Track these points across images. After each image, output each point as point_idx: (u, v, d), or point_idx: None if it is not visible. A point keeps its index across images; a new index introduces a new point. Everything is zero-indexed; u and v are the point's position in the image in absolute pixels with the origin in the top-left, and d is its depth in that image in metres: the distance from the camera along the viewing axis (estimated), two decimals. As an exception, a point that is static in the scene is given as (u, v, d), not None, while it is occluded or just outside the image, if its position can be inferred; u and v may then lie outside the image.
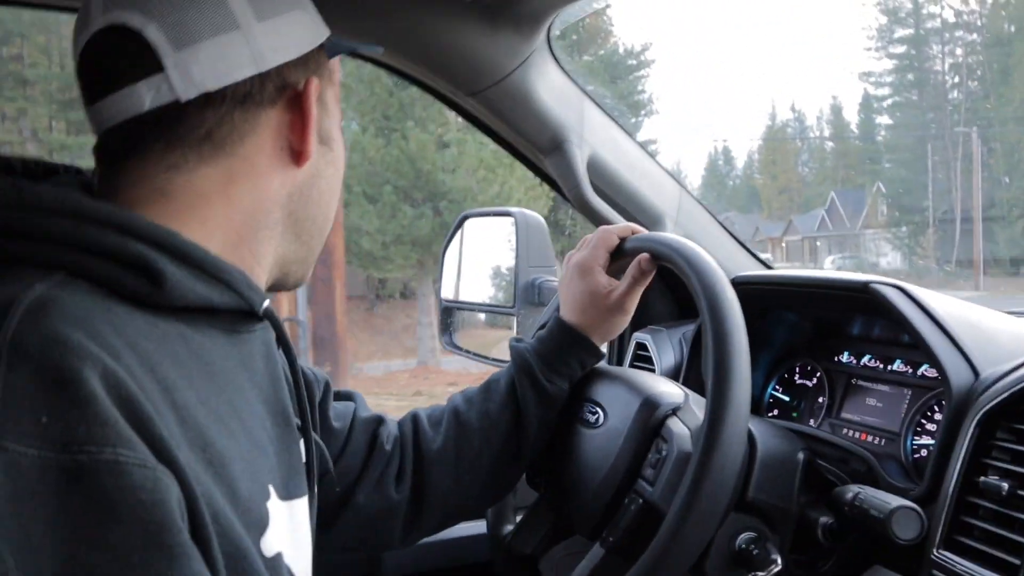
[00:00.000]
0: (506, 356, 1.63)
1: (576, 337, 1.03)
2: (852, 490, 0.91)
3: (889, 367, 1.19)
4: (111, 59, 0.65)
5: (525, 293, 1.57)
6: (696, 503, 0.79)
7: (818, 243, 37.10)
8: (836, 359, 1.28)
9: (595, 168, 1.30)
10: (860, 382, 1.23)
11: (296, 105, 0.71)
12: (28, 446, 0.48)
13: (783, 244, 41.91)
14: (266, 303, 0.71)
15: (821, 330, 1.33)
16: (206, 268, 0.64)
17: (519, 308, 1.56)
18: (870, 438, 1.16)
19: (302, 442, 0.78)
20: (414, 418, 1.05)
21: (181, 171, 0.67)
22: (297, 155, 0.72)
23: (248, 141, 0.69)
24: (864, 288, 1.07)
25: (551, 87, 1.25)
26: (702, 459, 0.80)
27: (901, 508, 0.84)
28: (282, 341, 0.78)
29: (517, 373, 1.02)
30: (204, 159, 0.67)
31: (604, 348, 1.11)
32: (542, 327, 1.07)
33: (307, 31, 0.73)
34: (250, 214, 0.70)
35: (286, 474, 0.72)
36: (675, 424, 0.93)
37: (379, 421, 1.03)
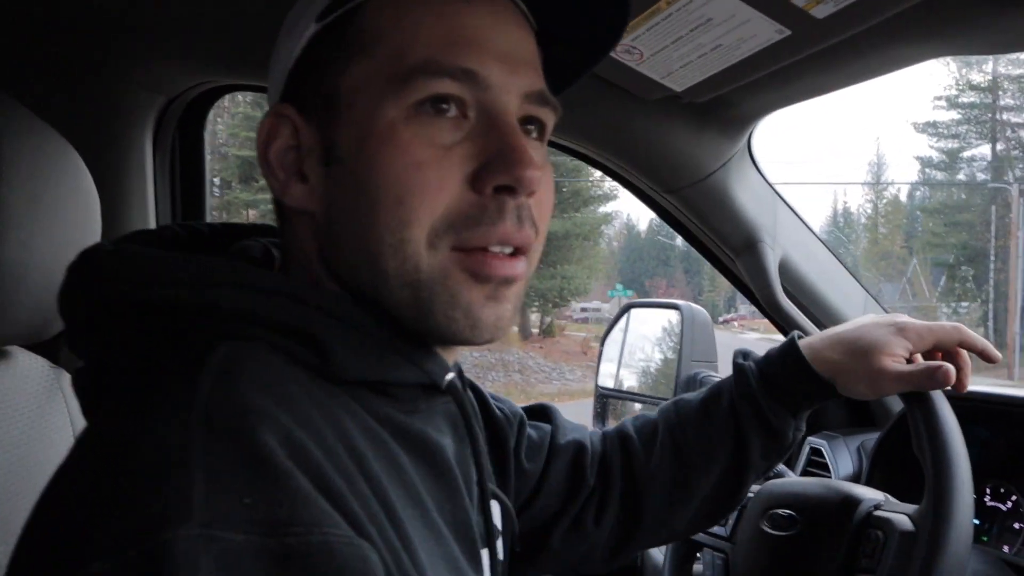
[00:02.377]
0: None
1: (805, 367, 0.91)
2: None
3: (1102, 497, 1.12)
4: None
5: (686, 387, 1.56)
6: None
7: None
8: (1036, 484, 1.21)
9: (785, 270, 1.30)
10: (1066, 511, 1.16)
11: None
12: (235, 531, 0.44)
13: (869, 314, 39.93)
14: (449, 376, 0.66)
15: (1017, 451, 1.26)
16: (378, 340, 0.60)
17: (679, 402, 1.56)
18: (1079, 573, 1.09)
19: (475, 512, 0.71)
20: (623, 437, 0.96)
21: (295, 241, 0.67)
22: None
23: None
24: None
25: (748, 188, 1.27)
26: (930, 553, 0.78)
27: None
28: (465, 420, 0.70)
29: (739, 400, 0.92)
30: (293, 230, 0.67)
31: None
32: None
33: (285, 52, 0.65)
34: (306, 274, 0.65)
35: (467, 559, 0.66)
36: (885, 513, 0.90)
37: (580, 448, 0.94)
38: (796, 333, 0.95)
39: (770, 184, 1.29)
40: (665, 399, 1.61)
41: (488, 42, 0.61)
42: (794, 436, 0.93)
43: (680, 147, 1.19)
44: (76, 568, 0.43)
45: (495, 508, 0.79)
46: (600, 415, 1.79)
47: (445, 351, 0.68)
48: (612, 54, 1.00)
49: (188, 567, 0.42)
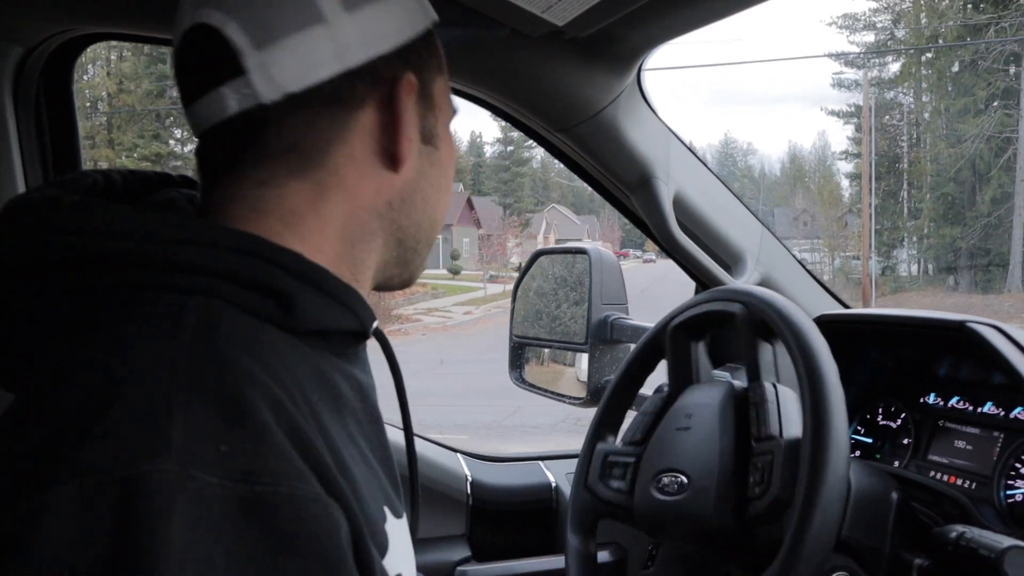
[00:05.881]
0: (572, 391, 1.65)
1: None
2: (956, 529, 0.89)
3: (979, 409, 1.17)
4: (197, 60, 0.62)
5: (597, 330, 1.58)
6: (800, 554, 0.79)
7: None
8: (922, 400, 1.27)
9: (680, 205, 1.32)
10: (948, 424, 1.21)
11: (390, 105, 0.65)
12: (210, 475, 0.47)
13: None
14: (376, 323, 0.70)
15: (905, 370, 1.32)
16: (326, 289, 0.63)
17: (591, 344, 1.58)
18: (960, 481, 1.14)
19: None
20: None
21: (271, 187, 0.63)
22: (393, 159, 0.67)
23: (336, 149, 0.64)
24: (959, 328, 1.07)
25: (640, 124, 1.27)
26: (804, 512, 0.79)
27: (1014, 548, 0.83)
28: (390, 358, 0.78)
29: None
30: (293, 172, 0.63)
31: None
32: None
33: (407, 18, 0.67)
34: (346, 228, 0.66)
35: (394, 492, 0.70)
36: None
37: None
38: None
39: (662, 120, 1.30)
40: (579, 343, 1.64)
41: None
42: None
43: (568, 84, 1.18)
44: (43, 505, 0.46)
45: None
46: (515, 363, 1.81)
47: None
48: None
49: (164, 499, 0.46)
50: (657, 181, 1.26)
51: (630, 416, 1.15)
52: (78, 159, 1.26)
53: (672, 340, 1.10)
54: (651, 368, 1.17)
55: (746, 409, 0.94)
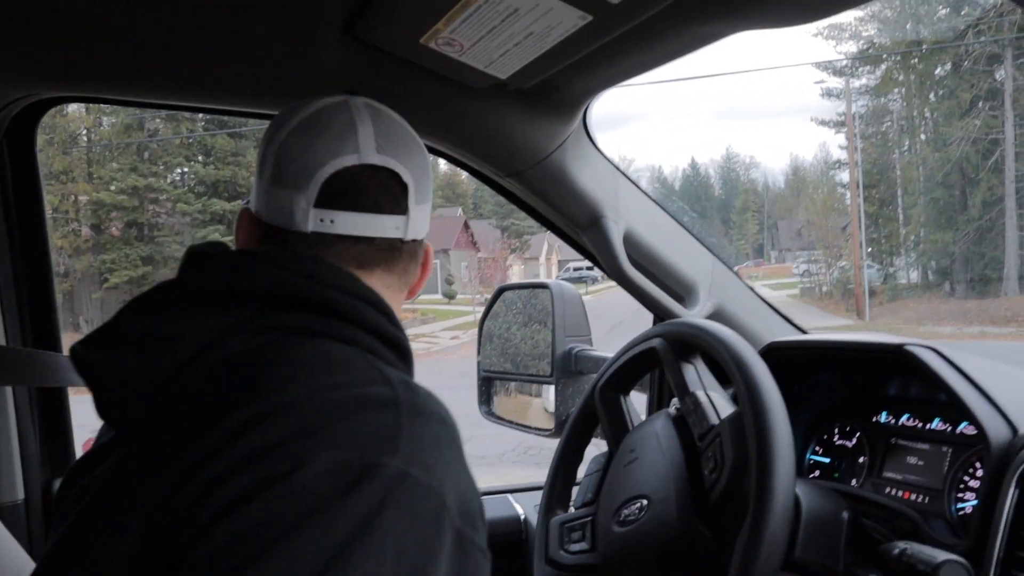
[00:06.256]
0: (540, 423, 1.68)
1: None
2: (899, 546, 0.92)
3: (928, 426, 1.21)
4: (375, 189, 0.86)
5: (563, 362, 1.62)
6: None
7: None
8: (874, 419, 1.30)
9: (631, 241, 1.35)
10: (900, 441, 1.25)
11: (424, 261, 0.96)
12: (421, 477, 0.65)
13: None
14: None
15: (858, 391, 1.35)
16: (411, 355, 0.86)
17: (557, 377, 1.61)
18: (913, 496, 1.18)
19: None
20: None
21: (392, 289, 0.89)
22: (411, 292, 0.95)
23: (413, 277, 0.94)
24: (898, 350, 1.11)
25: (587, 166, 1.31)
26: (752, 536, 0.82)
27: (948, 562, 0.86)
28: None
29: None
30: (400, 283, 0.91)
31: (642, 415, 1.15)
32: None
33: None
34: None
35: None
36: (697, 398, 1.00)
37: None
38: None
39: (610, 160, 1.34)
40: (545, 376, 1.67)
41: None
42: None
43: (515, 132, 1.22)
44: (303, 462, 0.62)
45: None
46: (484, 397, 1.83)
47: None
48: (435, 46, 1.03)
49: (387, 485, 0.63)
50: (607, 220, 1.30)
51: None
52: (43, 219, 1.29)
53: (602, 400, 1.16)
54: (587, 439, 1.23)
55: (684, 422, 0.99)
